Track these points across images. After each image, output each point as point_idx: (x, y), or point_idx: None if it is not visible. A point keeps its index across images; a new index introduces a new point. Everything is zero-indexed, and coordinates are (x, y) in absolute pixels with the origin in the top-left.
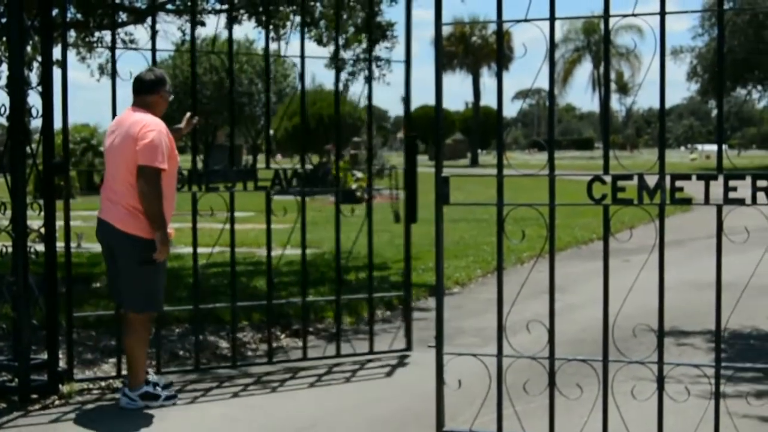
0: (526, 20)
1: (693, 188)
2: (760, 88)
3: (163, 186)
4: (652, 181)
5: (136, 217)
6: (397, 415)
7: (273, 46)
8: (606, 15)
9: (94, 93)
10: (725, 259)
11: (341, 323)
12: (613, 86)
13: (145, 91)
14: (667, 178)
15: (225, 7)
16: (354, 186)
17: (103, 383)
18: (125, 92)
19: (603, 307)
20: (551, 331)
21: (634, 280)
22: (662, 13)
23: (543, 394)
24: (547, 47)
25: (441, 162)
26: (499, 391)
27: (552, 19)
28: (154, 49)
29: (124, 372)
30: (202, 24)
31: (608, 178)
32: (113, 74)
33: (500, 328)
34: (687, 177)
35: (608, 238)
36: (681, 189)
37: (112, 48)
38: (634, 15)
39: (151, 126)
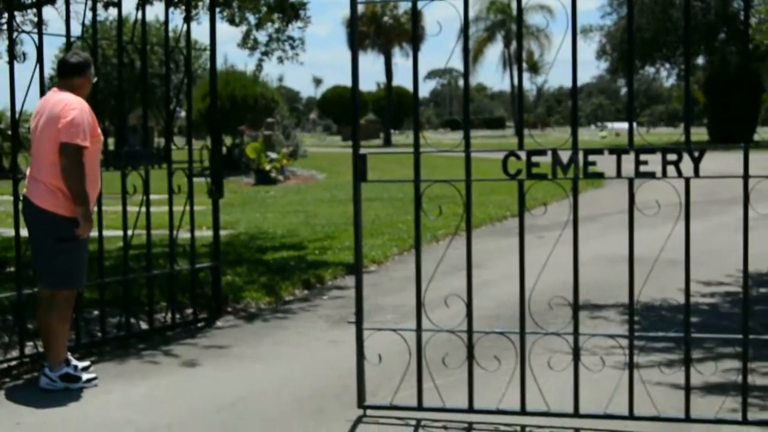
0: None
1: (605, 164)
2: (667, 66)
3: (86, 165)
4: (565, 157)
5: (55, 195)
6: (318, 392)
7: (183, 26)
8: None
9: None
10: (637, 233)
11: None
12: (524, 65)
13: (70, 74)
14: (581, 154)
15: None
16: (268, 167)
17: (16, 364)
18: (25, 75)
19: (519, 281)
20: (469, 305)
21: (548, 254)
22: None
23: (462, 368)
24: (461, 26)
25: (358, 140)
26: (419, 365)
27: None
28: (40, 33)
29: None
30: (113, 4)
31: (523, 154)
32: (11, 57)
33: (419, 303)
34: (599, 152)
35: (523, 213)
36: (594, 164)
37: (9, 30)
38: None
39: (73, 105)
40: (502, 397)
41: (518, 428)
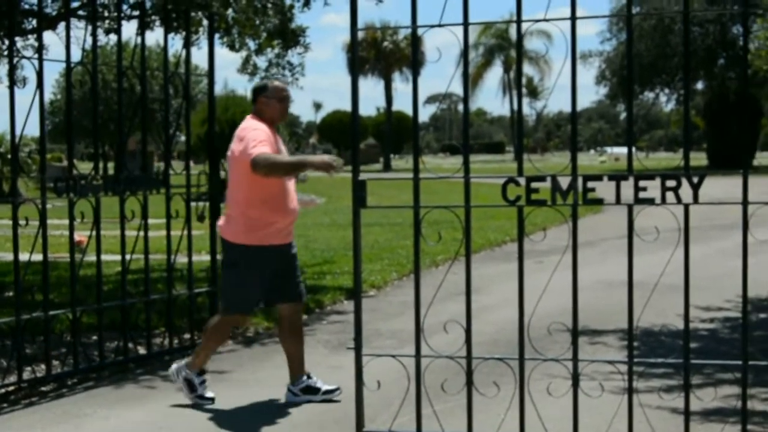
0: (440, 25)
1: (604, 190)
2: (666, 91)
3: (271, 193)
4: (564, 182)
5: (229, 222)
6: (317, 417)
7: (183, 51)
8: (519, 20)
9: (1, 101)
10: (637, 258)
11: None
12: (523, 90)
13: (252, 100)
14: (580, 180)
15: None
16: None
17: (14, 389)
18: (26, 100)
19: (518, 307)
20: (468, 331)
21: (548, 280)
22: (573, 18)
23: (461, 393)
24: (461, 52)
25: (358, 166)
26: (418, 391)
27: (466, 24)
28: (41, 59)
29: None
30: (113, 30)
31: (522, 180)
32: (11, 82)
33: (418, 328)
34: (599, 178)
35: (523, 239)
36: (593, 190)
37: (10, 56)
38: (546, 20)
39: (246, 128)
40: (501, 423)
41: None
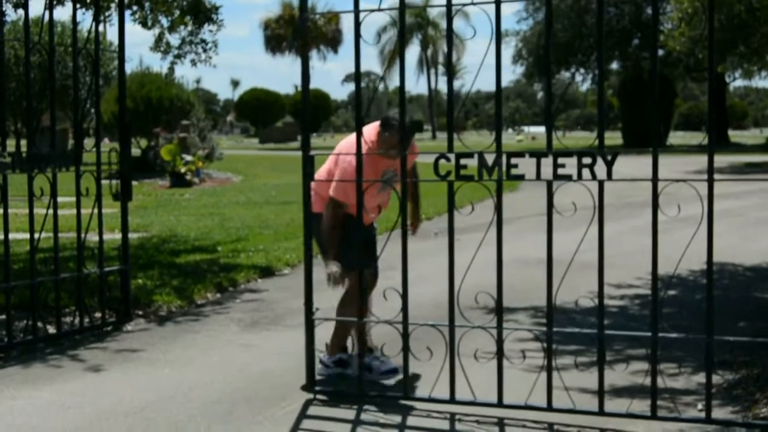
0: (380, 10)
1: (523, 167)
2: (582, 71)
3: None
4: (489, 159)
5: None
6: (228, 396)
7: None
8: (449, 5)
9: None
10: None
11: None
12: (441, 69)
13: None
14: (504, 156)
15: None
16: (183, 170)
17: None
18: None
19: (449, 277)
20: (404, 297)
21: (473, 256)
22: (498, 1)
23: (398, 357)
24: (377, 30)
25: (308, 141)
26: (361, 352)
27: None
28: None
29: None
30: (21, 5)
31: (452, 156)
32: None
33: (361, 294)
34: (521, 155)
35: (453, 212)
36: (516, 166)
37: None
38: (473, 3)
39: (346, 157)
40: (435, 383)
41: (448, 415)
